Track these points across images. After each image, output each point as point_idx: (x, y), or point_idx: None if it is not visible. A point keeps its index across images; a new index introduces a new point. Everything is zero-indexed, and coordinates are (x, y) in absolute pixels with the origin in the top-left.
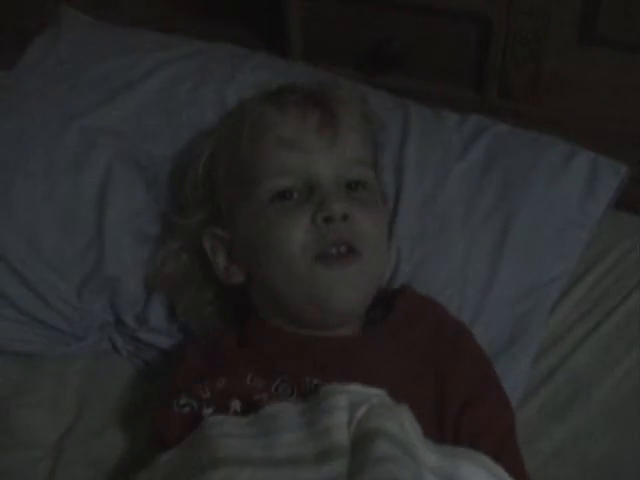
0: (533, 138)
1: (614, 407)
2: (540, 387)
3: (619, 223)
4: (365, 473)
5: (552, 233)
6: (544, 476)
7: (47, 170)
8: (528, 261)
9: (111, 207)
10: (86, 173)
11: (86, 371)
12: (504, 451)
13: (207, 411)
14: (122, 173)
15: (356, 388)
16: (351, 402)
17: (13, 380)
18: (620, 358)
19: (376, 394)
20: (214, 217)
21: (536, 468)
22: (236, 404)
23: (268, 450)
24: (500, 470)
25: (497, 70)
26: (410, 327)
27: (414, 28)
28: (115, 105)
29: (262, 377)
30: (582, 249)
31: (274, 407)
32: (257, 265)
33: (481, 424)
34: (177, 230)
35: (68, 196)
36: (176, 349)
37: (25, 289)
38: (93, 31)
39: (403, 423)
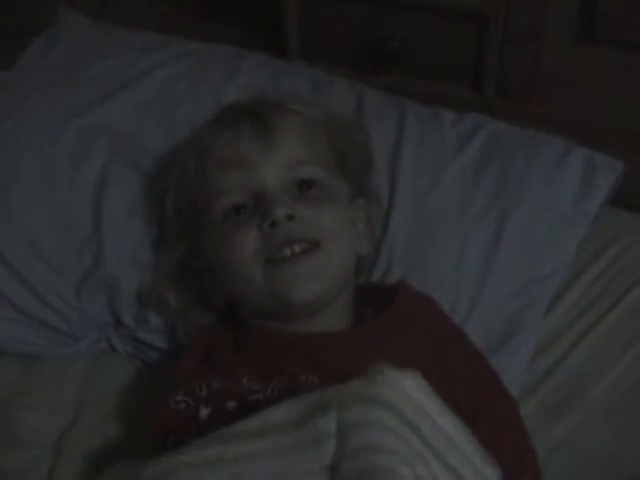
0: (529, 136)
1: (612, 404)
2: (539, 385)
3: (616, 220)
4: (352, 434)
5: (548, 229)
6: (543, 473)
7: (45, 169)
8: (523, 257)
9: (109, 206)
10: (84, 172)
11: (85, 371)
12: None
13: (204, 411)
14: (120, 172)
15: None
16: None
17: (12, 380)
18: (618, 355)
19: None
20: (194, 248)
21: None
22: (232, 404)
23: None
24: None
25: (495, 69)
26: (406, 323)
27: (412, 27)
28: (113, 105)
29: (258, 379)
30: (578, 245)
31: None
32: (225, 282)
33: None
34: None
35: (66, 195)
36: (174, 350)
37: (23, 289)
38: (91, 32)
39: (409, 393)
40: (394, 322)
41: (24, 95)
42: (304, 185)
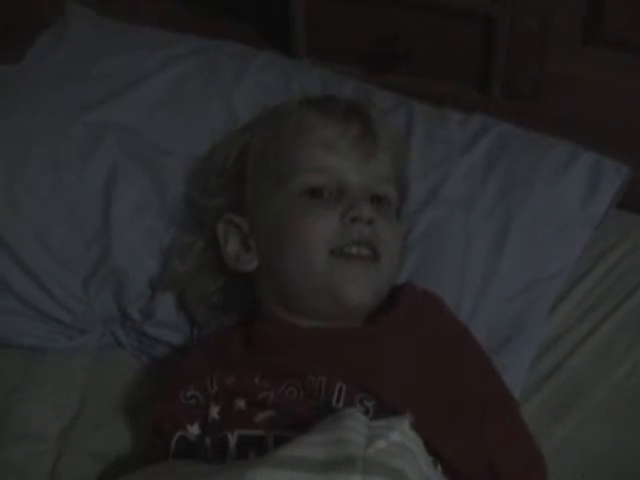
0: (536, 138)
1: (615, 406)
2: (541, 385)
3: (621, 222)
4: None
5: (553, 231)
6: None
7: (53, 164)
8: (528, 258)
9: (117, 200)
10: (92, 167)
11: (90, 365)
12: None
13: (214, 409)
14: (128, 167)
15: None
16: (369, 429)
17: (16, 373)
18: (622, 357)
19: (397, 423)
20: (233, 205)
21: None
22: (241, 403)
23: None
24: None
25: (501, 70)
26: (412, 322)
27: (418, 28)
28: (122, 101)
29: (269, 378)
30: (583, 248)
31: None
32: (274, 254)
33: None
34: (194, 215)
35: (74, 189)
36: (180, 344)
37: (30, 281)
38: (99, 27)
39: (421, 466)
40: (400, 322)
41: (32, 90)
42: (375, 200)
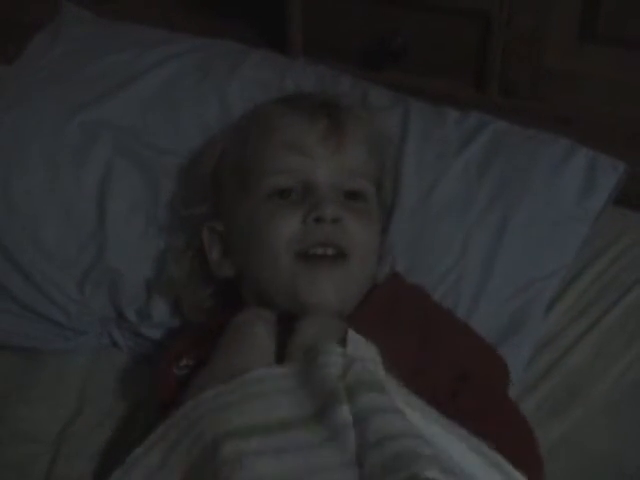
0: (532, 135)
1: (613, 403)
2: (539, 383)
3: (618, 220)
4: (370, 422)
5: (550, 228)
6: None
7: (48, 163)
8: (525, 255)
9: (112, 200)
10: (87, 166)
11: (86, 366)
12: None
13: None
14: (123, 167)
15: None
16: (344, 359)
17: (13, 374)
18: (619, 354)
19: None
20: (215, 212)
21: None
22: None
23: (265, 415)
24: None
25: (497, 67)
26: (388, 312)
27: (415, 25)
28: (117, 100)
29: None
30: (580, 245)
31: (260, 371)
32: (246, 258)
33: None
34: (181, 223)
35: (69, 189)
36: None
37: (25, 282)
38: (94, 27)
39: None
40: (375, 313)
41: (28, 89)
42: (351, 195)
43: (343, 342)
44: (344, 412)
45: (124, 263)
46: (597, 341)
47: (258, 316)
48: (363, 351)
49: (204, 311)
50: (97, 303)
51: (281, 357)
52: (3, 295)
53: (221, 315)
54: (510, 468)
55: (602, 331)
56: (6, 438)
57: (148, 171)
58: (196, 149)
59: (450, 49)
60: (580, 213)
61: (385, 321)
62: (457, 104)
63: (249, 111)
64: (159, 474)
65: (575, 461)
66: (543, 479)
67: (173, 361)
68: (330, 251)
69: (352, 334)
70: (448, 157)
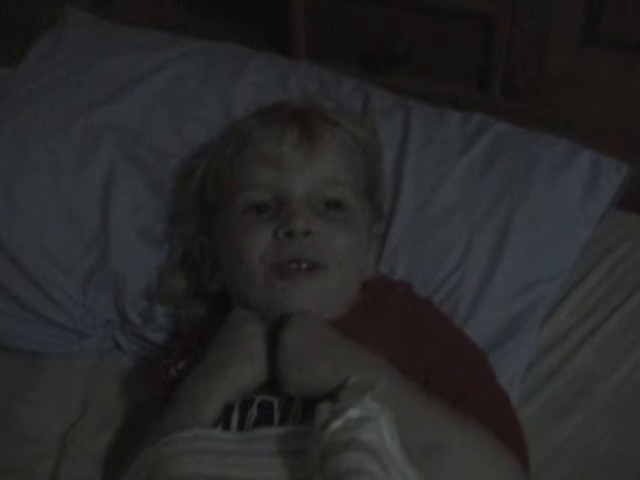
0: (535, 137)
1: (617, 405)
2: (543, 386)
3: (622, 223)
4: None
5: (552, 231)
6: (547, 473)
7: (51, 166)
8: (527, 257)
9: (116, 203)
10: (91, 170)
11: (90, 369)
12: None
13: None
14: (126, 170)
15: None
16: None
17: (17, 377)
18: (623, 357)
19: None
20: (204, 227)
21: (539, 465)
22: None
23: (246, 472)
24: None
25: (501, 70)
26: (371, 312)
27: (419, 28)
28: (120, 102)
29: None
30: (582, 247)
31: (263, 430)
32: (227, 272)
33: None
34: (175, 238)
35: (72, 192)
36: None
37: (29, 285)
38: (97, 29)
39: (382, 432)
40: (360, 312)
41: (31, 92)
42: (331, 204)
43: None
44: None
45: (128, 266)
46: (601, 344)
47: (247, 318)
48: (360, 395)
49: (202, 325)
50: (100, 306)
51: (272, 358)
52: (6, 298)
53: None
54: None
55: (606, 334)
56: (10, 440)
57: (151, 174)
58: (199, 153)
59: (453, 52)
60: (583, 216)
61: (367, 320)
62: (460, 106)
63: (230, 126)
64: None
65: (579, 464)
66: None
67: (172, 364)
68: (304, 266)
69: (354, 380)
70: (450, 159)
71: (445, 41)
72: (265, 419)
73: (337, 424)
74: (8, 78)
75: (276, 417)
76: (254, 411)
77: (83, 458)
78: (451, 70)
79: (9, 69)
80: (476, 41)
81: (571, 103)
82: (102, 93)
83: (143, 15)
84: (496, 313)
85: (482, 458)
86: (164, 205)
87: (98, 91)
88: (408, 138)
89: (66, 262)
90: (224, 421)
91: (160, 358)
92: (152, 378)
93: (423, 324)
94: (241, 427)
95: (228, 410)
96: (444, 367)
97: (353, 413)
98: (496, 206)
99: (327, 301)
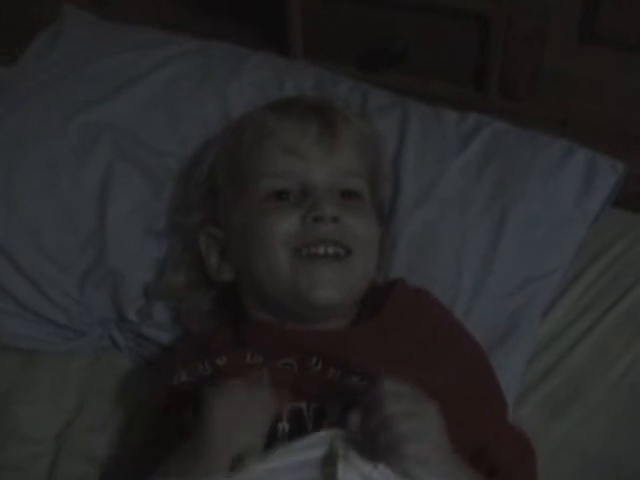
0: (531, 136)
1: (613, 404)
2: (539, 384)
3: (618, 220)
4: None
5: (548, 229)
6: (543, 472)
7: (49, 164)
8: (523, 255)
9: (113, 201)
10: (88, 168)
11: (87, 367)
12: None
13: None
14: (124, 168)
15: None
16: None
17: (14, 375)
18: (619, 355)
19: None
20: (211, 217)
21: None
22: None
23: None
24: None
25: (497, 69)
26: (398, 323)
27: (415, 27)
28: (117, 101)
29: (262, 354)
30: (578, 245)
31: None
32: (244, 259)
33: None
34: (179, 230)
35: (70, 190)
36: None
37: (26, 283)
38: (95, 28)
39: None
40: (386, 322)
41: (28, 91)
42: (346, 194)
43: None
44: None
45: (125, 264)
46: (596, 342)
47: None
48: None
49: (203, 319)
50: (97, 304)
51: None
52: (3, 296)
53: (221, 326)
54: None
55: (601, 332)
56: (6, 439)
57: (148, 173)
58: (196, 152)
59: (450, 51)
60: (578, 214)
61: (391, 338)
62: (457, 106)
63: (242, 117)
64: None
65: (574, 463)
66: None
67: (174, 373)
68: (331, 249)
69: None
70: (447, 158)
71: (442, 40)
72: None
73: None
74: (6, 76)
75: (309, 425)
76: (285, 425)
77: (79, 457)
78: (448, 69)
79: (7, 68)
80: (473, 40)
81: (568, 102)
82: (100, 92)
83: (141, 14)
84: (492, 311)
85: None
86: (161, 204)
87: (96, 90)
88: (405, 137)
89: (63, 260)
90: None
91: (159, 356)
92: (152, 381)
93: (443, 339)
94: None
95: None
96: (459, 399)
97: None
98: (492, 204)
99: (350, 287)
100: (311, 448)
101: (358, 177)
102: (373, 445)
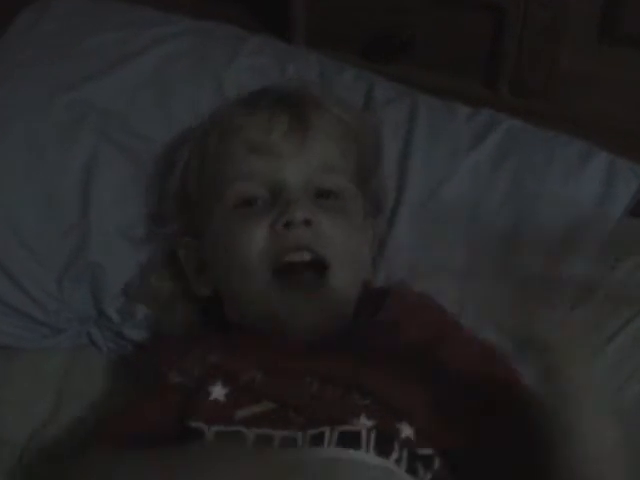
0: (548, 136)
1: (628, 420)
2: None
3: (633, 231)
4: None
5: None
6: None
7: (30, 146)
8: None
9: (98, 189)
10: (72, 151)
11: (64, 366)
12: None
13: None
14: (110, 154)
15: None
16: None
17: None
18: (634, 373)
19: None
20: (189, 227)
21: None
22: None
23: None
24: None
25: (510, 64)
26: (395, 329)
27: (425, 16)
28: (106, 80)
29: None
30: (596, 252)
31: None
32: (221, 275)
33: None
34: (157, 239)
35: (52, 173)
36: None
37: (0, 273)
38: (85, 3)
39: None
40: (383, 328)
41: (13, 65)
42: (323, 194)
43: None
44: None
45: (107, 258)
46: (612, 357)
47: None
48: None
49: (187, 326)
50: (77, 299)
51: None
52: None
53: (207, 333)
54: None
55: (617, 347)
56: None
57: (136, 161)
58: (186, 139)
59: (461, 43)
60: (597, 219)
61: (387, 347)
62: (465, 101)
63: (210, 114)
64: None
65: None
66: None
67: (165, 377)
68: (307, 256)
69: None
70: (459, 154)
71: (453, 32)
72: None
73: None
74: None
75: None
76: None
77: (48, 460)
78: (457, 62)
79: None
80: (486, 33)
81: (584, 104)
82: (88, 70)
83: None
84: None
85: None
86: (148, 196)
87: (84, 68)
88: (414, 130)
89: (41, 250)
90: None
91: (139, 357)
92: (137, 382)
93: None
94: None
95: None
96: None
97: None
98: (505, 205)
99: (335, 309)
100: None
101: (336, 174)
102: None
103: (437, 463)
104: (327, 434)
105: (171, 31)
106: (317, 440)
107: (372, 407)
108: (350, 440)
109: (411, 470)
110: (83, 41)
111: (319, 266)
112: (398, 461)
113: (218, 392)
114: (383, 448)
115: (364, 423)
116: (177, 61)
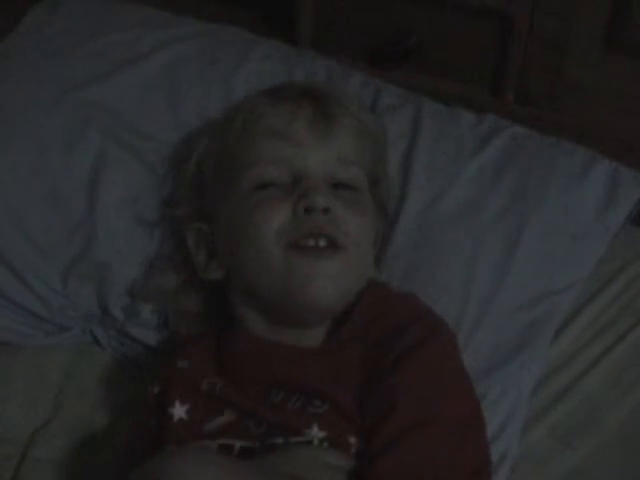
0: (551, 143)
1: (628, 432)
2: (550, 409)
3: (636, 240)
4: None
5: (566, 241)
6: None
7: (37, 145)
8: (539, 268)
9: (104, 189)
10: (78, 151)
11: (67, 364)
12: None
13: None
14: (117, 154)
15: None
16: None
17: None
18: (635, 381)
19: None
20: (200, 212)
21: None
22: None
23: None
24: None
25: (515, 72)
26: (362, 334)
27: (432, 23)
28: (114, 81)
29: (225, 376)
30: (597, 260)
31: None
32: (235, 257)
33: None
34: (169, 223)
35: (58, 173)
36: (164, 348)
37: (5, 269)
38: (95, 3)
39: None
40: (352, 334)
41: (18, 65)
42: (340, 186)
43: None
44: None
45: (113, 256)
46: (612, 367)
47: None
48: None
49: (192, 322)
50: (82, 297)
51: None
52: None
53: (210, 332)
54: None
55: (617, 356)
56: None
57: (142, 161)
58: (194, 140)
59: (467, 50)
60: (599, 227)
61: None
62: (470, 108)
63: (232, 104)
64: None
65: None
66: None
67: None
68: (322, 242)
69: None
70: (461, 160)
71: (459, 39)
72: None
73: None
74: None
75: None
76: None
77: (51, 460)
78: (463, 69)
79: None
80: (492, 40)
81: (589, 114)
82: (96, 71)
83: None
84: (503, 326)
85: None
86: (155, 194)
87: (92, 68)
88: (418, 135)
89: (47, 247)
90: None
91: (143, 357)
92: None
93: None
94: None
95: None
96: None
97: None
98: (508, 210)
99: (347, 287)
100: None
101: (355, 166)
102: None
103: None
104: (280, 445)
105: (180, 33)
106: (271, 451)
107: (327, 416)
108: None
109: None
110: (91, 41)
111: (333, 247)
112: None
113: (179, 411)
114: None
115: (315, 435)
116: (185, 63)
